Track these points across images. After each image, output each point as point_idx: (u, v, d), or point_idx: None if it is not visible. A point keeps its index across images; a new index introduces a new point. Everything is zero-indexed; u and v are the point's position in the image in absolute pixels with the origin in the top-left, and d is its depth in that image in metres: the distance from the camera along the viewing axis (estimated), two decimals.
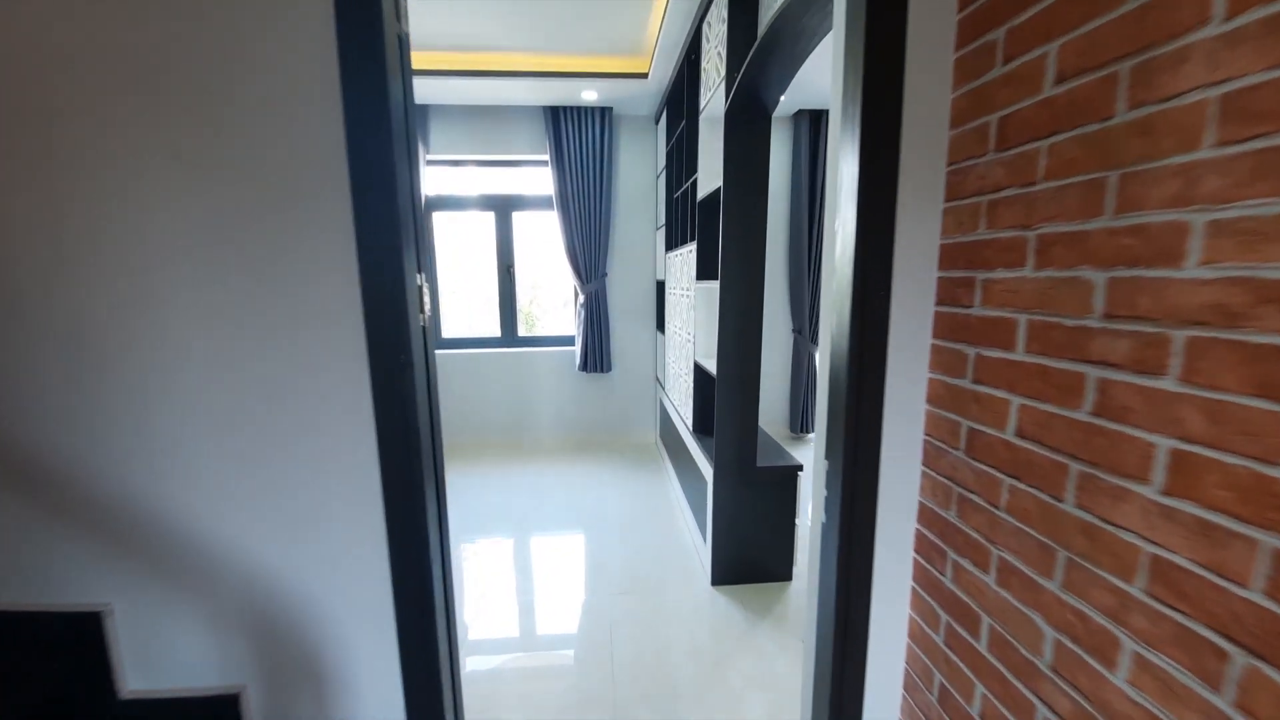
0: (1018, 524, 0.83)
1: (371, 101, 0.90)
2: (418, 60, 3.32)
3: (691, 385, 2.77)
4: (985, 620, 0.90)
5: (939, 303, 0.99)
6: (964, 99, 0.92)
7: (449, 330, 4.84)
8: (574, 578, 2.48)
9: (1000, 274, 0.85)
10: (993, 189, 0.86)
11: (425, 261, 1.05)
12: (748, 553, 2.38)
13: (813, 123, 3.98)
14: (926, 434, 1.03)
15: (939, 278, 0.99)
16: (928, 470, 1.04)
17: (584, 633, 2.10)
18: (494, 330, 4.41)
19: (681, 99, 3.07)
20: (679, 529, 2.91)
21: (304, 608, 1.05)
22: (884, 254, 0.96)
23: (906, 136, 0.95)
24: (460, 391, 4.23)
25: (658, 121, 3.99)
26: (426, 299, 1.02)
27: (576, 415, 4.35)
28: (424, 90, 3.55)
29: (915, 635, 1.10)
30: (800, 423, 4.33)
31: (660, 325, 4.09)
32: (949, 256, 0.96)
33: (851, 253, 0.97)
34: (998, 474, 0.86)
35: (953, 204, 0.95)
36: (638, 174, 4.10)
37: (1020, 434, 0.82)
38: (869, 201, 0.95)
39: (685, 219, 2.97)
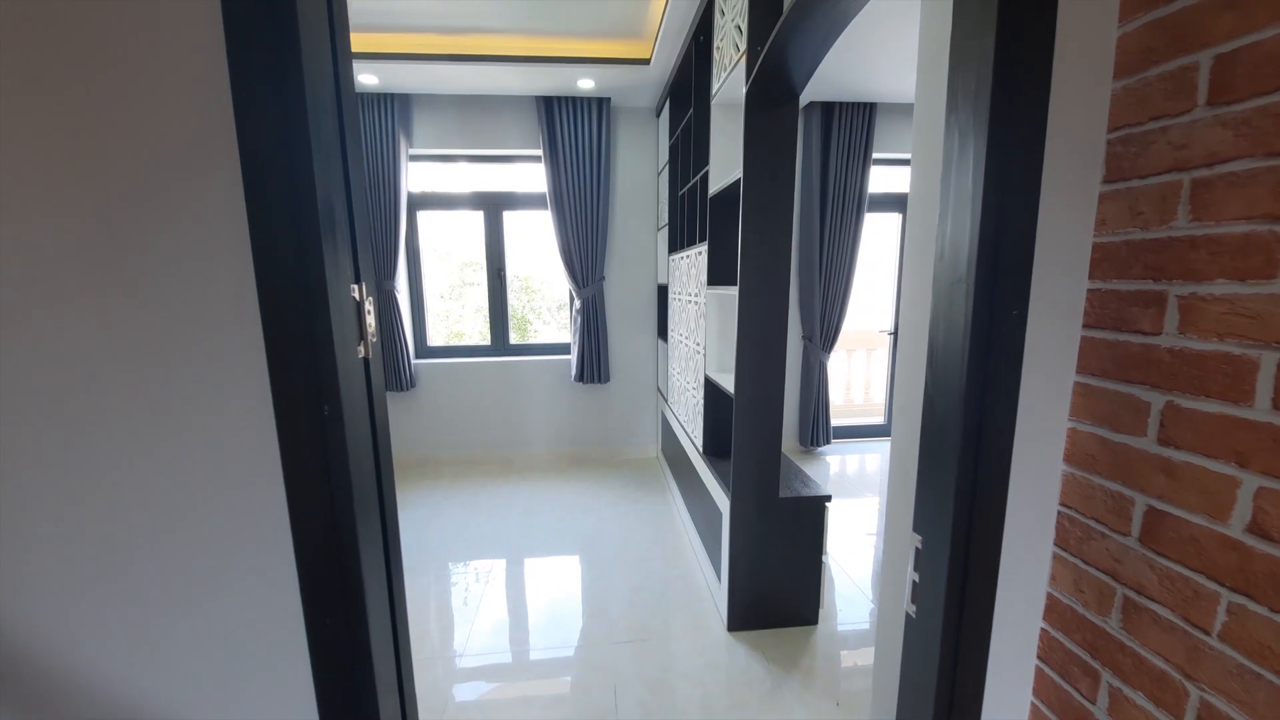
0: (1247, 663, 0.55)
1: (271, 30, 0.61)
2: (397, 44, 3.02)
3: (701, 402, 2.48)
4: None
5: (1090, 325, 0.71)
6: (1142, 34, 0.64)
7: (435, 338, 4.54)
8: (570, 624, 2.19)
9: (1221, 287, 0.57)
10: (1204, 162, 0.58)
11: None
12: (768, 594, 2.10)
13: (824, 116, 3.72)
14: (1064, 504, 0.75)
15: (1090, 290, 0.71)
16: (1064, 554, 0.76)
17: (582, 695, 1.80)
18: (484, 338, 4.11)
19: (688, 86, 2.79)
20: (688, 562, 2.63)
21: None
22: (1021, 255, 0.68)
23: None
24: (447, 405, 3.93)
25: (659, 114, 3.71)
26: (370, 322, 0.73)
27: (572, 429, 4.05)
28: (405, 78, 3.25)
29: None
30: (811, 435, 4.06)
31: (662, 333, 3.81)
32: (1110, 260, 0.69)
33: (968, 254, 0.69)
34: (1209, 584, 0.58)
35: (1117, 186, 0.67)
36: (638, 170, 3.82)
37: (1259, 532, 0.54)
38: (1000, 181, 0.66)
39: (693, 217, 2.69)
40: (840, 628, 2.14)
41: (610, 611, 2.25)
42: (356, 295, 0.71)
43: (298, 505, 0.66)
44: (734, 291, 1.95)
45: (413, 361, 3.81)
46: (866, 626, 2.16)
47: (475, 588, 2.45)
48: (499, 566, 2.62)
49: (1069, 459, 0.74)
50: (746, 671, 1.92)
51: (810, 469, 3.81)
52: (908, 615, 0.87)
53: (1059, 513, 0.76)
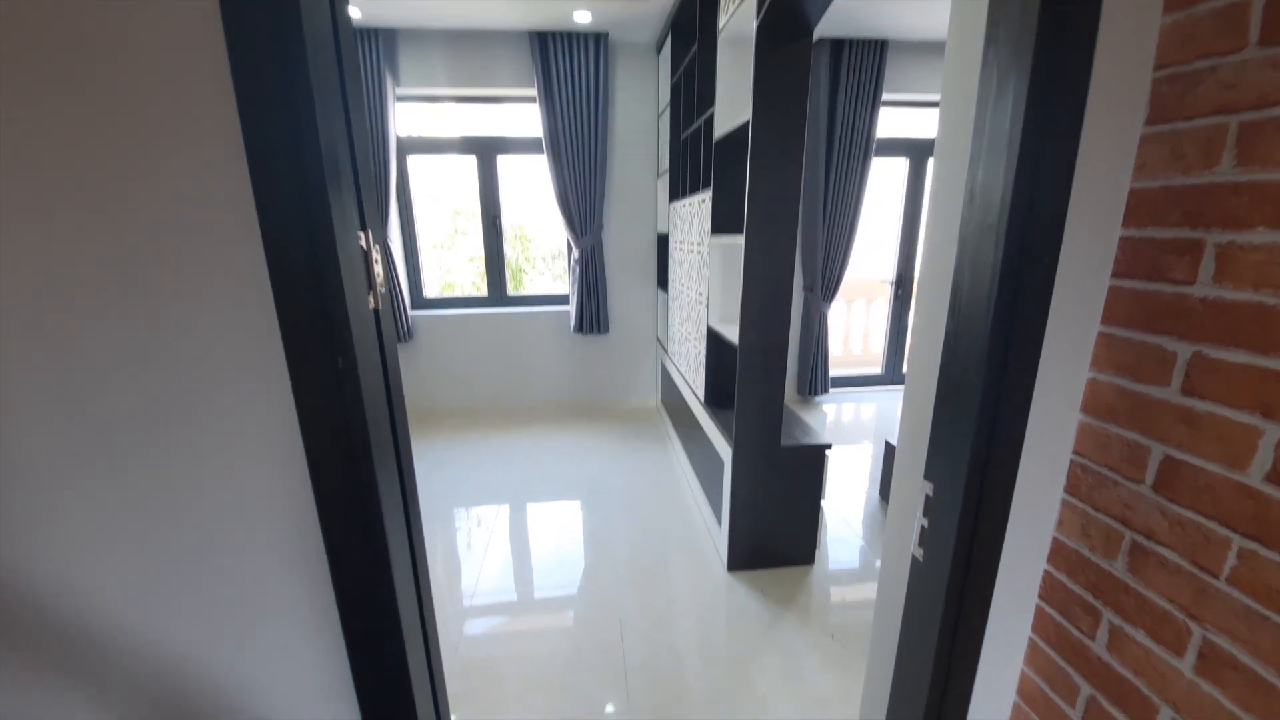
0: (1254, 605, 0.57)
1: None
2: None
3: (704, 353, 2.48)
4: (1167, 713, 0.66)
5: (1119, 274, 0.70)
6: None
7: (431, 289, 4.48)
8: (574, 567, 2.26)
9: (1262, 236, 0.55)
10: (1253, 104, 0.56)
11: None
12: (767, 536, 2.17)
13: (833, 54, 3.54)
14: (1077, 453, 0.76)
15: (1122, 238, 0.69)
16: (1073, 500, 0.77)
17: (590, 633, 1.89)
18: (479, 289, 4.05)
19: (692, 19, 2.63)
20: (688, 507, 2.70)
21: (235, 695, 0.78)
22: (1057, 201, 0.66)
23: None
24: (446, 357, 3.92)
25: (660, 50, 3.51)
26: (378, 270, 0.70)
27: (572, 379, 4.07)
28: (389, 11, 3.05)
29: (1031, 697, 0.87)
30: (810, 386, 4.10)
31: (662, 283, 3.77)
32: (1146, 207, 0.67)
33: (1001, 196, 0.66)
34: (1222, 530, 0.60)
35: (1160, 128, 0.64)
36: (637, 112, 3.66)
37: (1278, 480, 0.55)
38: (1041, 122, 0.63)
39: (696, 163, 2.60)
40: (834, 567, 2.23)
41: (613, 554, 2.32)
42: (364, 243, 0.69)
43: (317, 456, 0.65)
44: (739, 240, 1.91)
45: (409, 313, 3.77)
46: (857, 566, 2.25)
47: (480, 533, 2.52)
48: (503, 513, 2.69)
49: (1086, 408, 0.75)
50: (746, 608, 2.01)
51: (809, 418, 3.87)
52: (914, 559, 0.90)
53: (1071, 461, 0.77)
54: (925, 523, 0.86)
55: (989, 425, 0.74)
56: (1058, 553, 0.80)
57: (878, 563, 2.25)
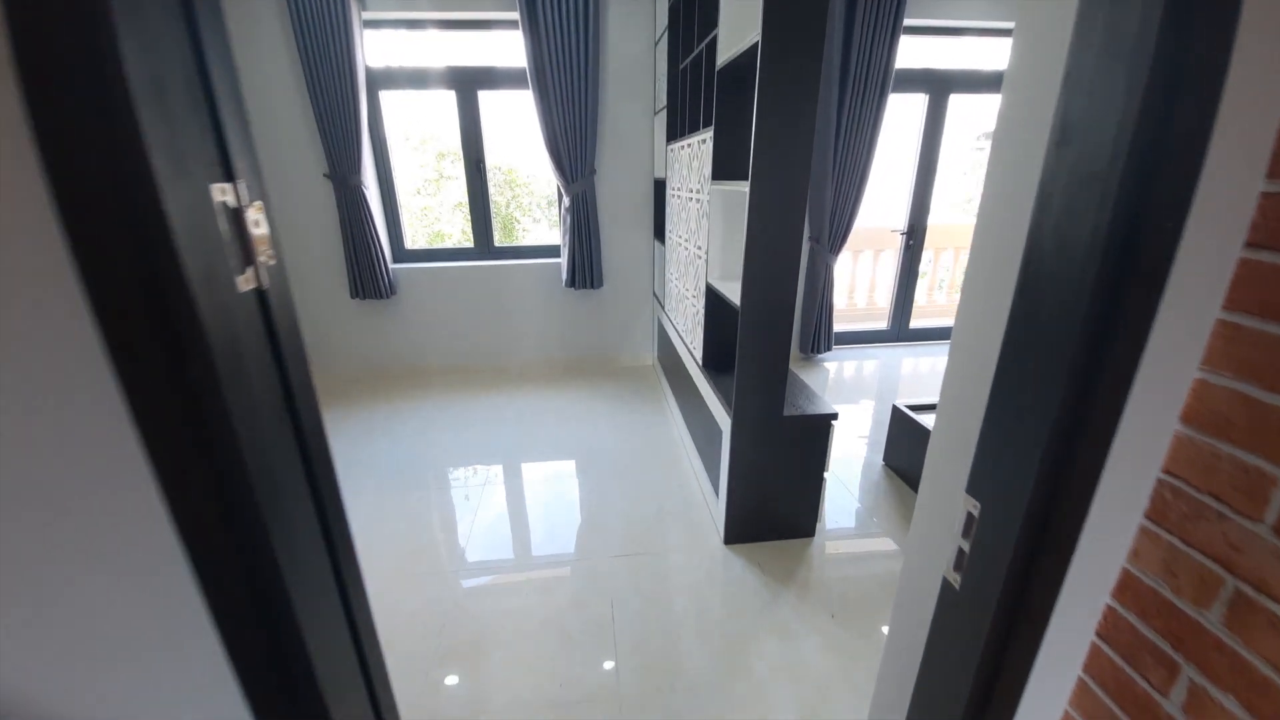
0: None
1: None
2: None
3: (702, 311, 2.29)
4: None
5: (1255, 243, 0.51)
6: None
7: (417, 240, 4.24)
8: (564, 540, 2.17)
9: None
10: None
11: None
12: (767, 508, 2.06)
13: None
14: (1168, 472, 0.60)
15: (1264, 195, 0.50)
16: (1156, 529, 0.62)
17: (580, 612, 1.80)
18: (467, 239, 3.81)
19: None
20: (684, 473, 2.59)
21: None
22: (1197, 135, 0.46)
23: None
24: (431, 313, 3.72)
25: None
26: (262, 234, 0.52)
27: (565, 336, 3.89)
28: None
29: None
30: (813, 343, 3.92)
31: (659, 233, 3.52)
32: None
33: (1115, 134, 0.47)
34: None
35: None
36: (631, 40, 3.30)
37: None
38: (1180, 31, 0.43)
39: (697, 97, 2.32)
40: (835, 540, 2.13)
41: (606, 525, 2.22)
42: (230, 199, 0.50)
43: (176, 493, 0.49)
44: (743, 188, 1.69)
45: (390, 266, 3.54)
46: (860, 539, 2.15)
47: (465, 505, 2.41)
48: (491, 480, 2.58)
49: (1188, 418, 0.58)
50: (743, 583, 1.92)
51: (809, 377, 3.73)
52: (946, 582, 0.76)
53: (1159, 481, 0.61)
54: (965, 545, 0.71)
55: (1067, 433, 0.57)
56: (1128, 588, 0.65)
57: (885, 540, 2.15)
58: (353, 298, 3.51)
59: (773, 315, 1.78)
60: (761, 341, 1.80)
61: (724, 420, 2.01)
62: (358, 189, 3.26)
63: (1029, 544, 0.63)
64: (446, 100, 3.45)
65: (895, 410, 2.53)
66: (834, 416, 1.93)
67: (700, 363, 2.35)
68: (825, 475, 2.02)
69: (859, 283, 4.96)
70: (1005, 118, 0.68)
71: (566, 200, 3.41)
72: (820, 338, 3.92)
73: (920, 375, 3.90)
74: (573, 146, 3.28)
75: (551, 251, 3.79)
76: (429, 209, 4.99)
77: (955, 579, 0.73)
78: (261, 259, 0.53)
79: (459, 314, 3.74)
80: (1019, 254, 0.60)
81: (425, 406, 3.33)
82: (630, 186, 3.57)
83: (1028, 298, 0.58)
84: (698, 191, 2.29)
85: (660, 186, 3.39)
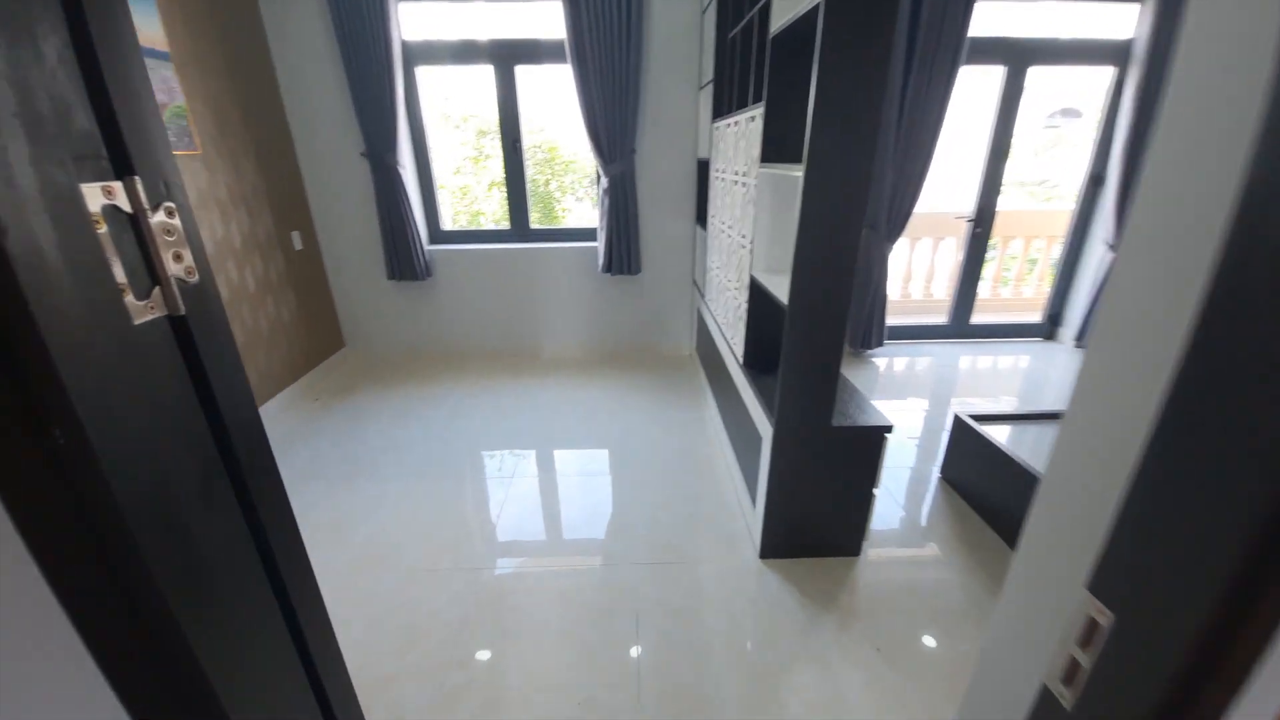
0: None
1: None
2: None
3: (745, 307, 2.12)
4: None
5: None
6: None
7: (457, 221, 4.18)
8: (589, 545, 2.06)
9: None
10: None
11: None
12: (808, 522, 1.90)
13: None
14: None
15: None
16: None
17: (602, 627, 1.70)
18: (505, 221, 3.70)
19: None
20: (719, 477, 2.44)
21: None
22: None
23: None
24: (466, 296, 3.66)
25: None
26: (183, 254, 0.39)
27: (600, 323, 3.77)
28: None
29: None
30: (863, 338, 3.67)
31: (701, 218, 3.32)
32: None
33: None
34: None
35: None
36: (677, 6, 3.08)
37: None
38: None
39: (746, 69, 2.11)
40: (884, 562, 1.95)
41: (633, 530, 2.11)
42: (122, 202, 0.37)
43: (53, 570, 0.38)
44: (796, 172, 1.50)
45: (426, 248, 3.49)
46: (911, 562, 1.96)
47: (490, 499, 2.34)
48: (519, 473, 2.50)
49: None
50: (779, 604, 1.78)
51: (858, 375, 3.49)
52: (1048, 693, 0.59)
53: None
54: (1085, 660, 0.54)
55: (1271, 530, 0.39)
56: None
57: (941, 566, 1.96)
58: (389, 279, 3.48)
59: (824, 317, 1.59)
60: (810, 345, 1.62)
61: (765, 428, 1.85)
62: (393, 168, 3.19)
63: (1189, 678, 0.46)
64: (485, 76, 3.32)
65: (958, 421, 2.30)
66: (888, 429, 1.74)
67: (741, 361, 2.18)
68: (875, 491, 1.84)
69: (915, 273, 4.63)
70: (1182, 84, 0.48)
71: (605, 181, 3.26)
72: (872, 332, 3.66)
73: (980, 376, 3.60)
74: (612, 124, 3.10)
75: (588, 235, 3.65)
76: (468, 189, 4.92)
77: (1065, 695, 0.56)
78: (177, 276, 0.41)
79: (493, 298, 3.67)
80: (1201, 263, 0.42)
81: (457, 393, 3.29)
82: (671, 167, 3.38)
83: (1223, 318, 0.40)
84: (744, 175, 2.09)
85: (704, 168, 3.18)
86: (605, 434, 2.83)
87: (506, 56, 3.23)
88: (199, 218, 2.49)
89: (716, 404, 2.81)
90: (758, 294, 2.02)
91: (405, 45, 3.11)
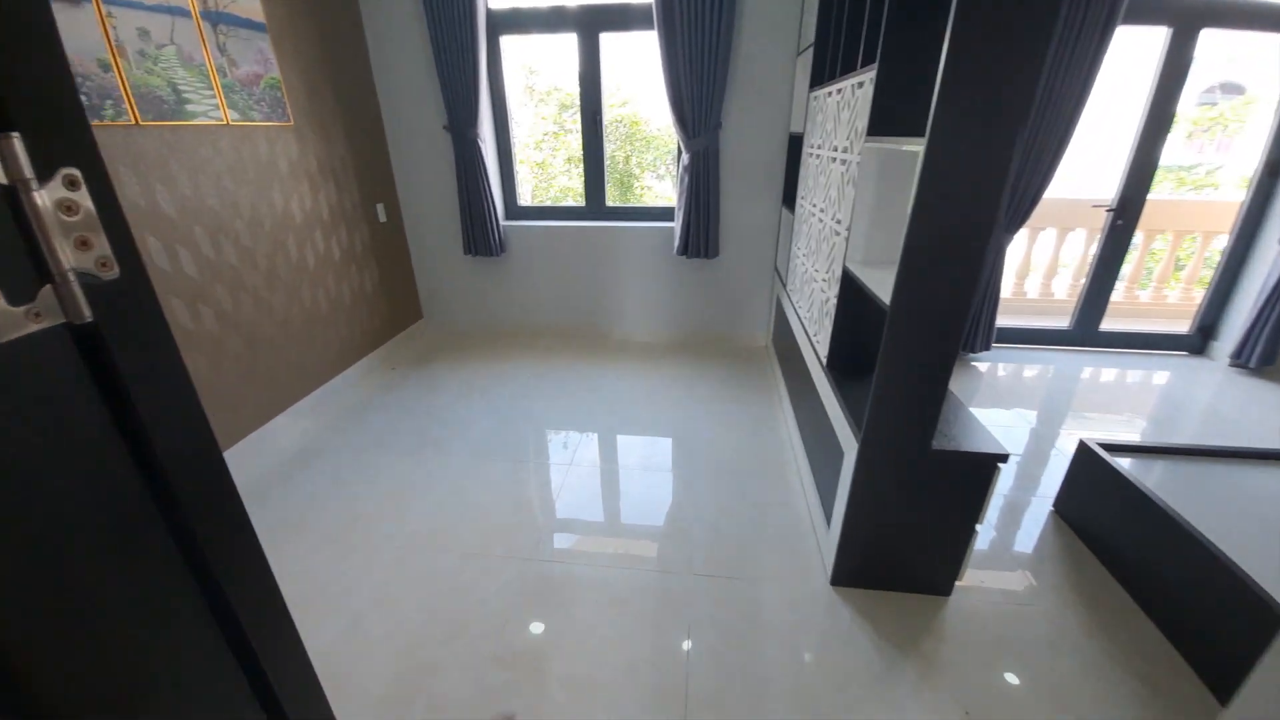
0: None
1: None
2: None
3: (833, 302, 1.88)
4: None
5: None
6: None
7: (536, 196, 4.14)
8: (643, 551, 1.94)
9: None
10: None
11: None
12: (891, 553, 1.67)
13: None
14: None
15: None
16: None
17: (649, 643, 1.58)
18: (581, 197, 3.60)
19: None
20: (791, 485, 2.24)
21: None
22: None
23: None
24: (539, 273, 3.61)
25: None
26: (84, 225, 0.29)
27: (673, 308, 3.60)
28: None
29: None
30: (968, 339, 3.27)
31: (789, 199, 3.05)
32: None
33: None
34: None
35: None
36: None
37: None
38: None
39: (857, 25, 1.83)
40: (980, 607, 1.68)
41: (692, 535, 1.96)
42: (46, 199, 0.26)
43: None
44: (915, 147, 1.25)
45: (502, 224, 3.46)
46: (1014, 611, 1.68)
47: (544, 488, 2.28)
48: (579, 461, 2.42)
49: None
50: (851, 642, 1.58)
51: (957, 381, 3.11)
52: None
53: None
54: None
55: None
56: None
57: (1052, 621, 1.67)
58: (465, 254, 3.49)
59: (935, 324, 1.34)
60: (914, 355, 1.38)
61: (849, 442, 1.63)
62: (474, 142, 3.15)
63: None
64: (568, 46, 3.18)
65: (1083, 448, 1.95)
66: (1002, 459, 1.47)
67: (824, 362, 1.95)
68: (977, 527, 1.58)
69: (1034, 267, 4.08)
70: None
71: (685, 158, 3.05)
72: (979, 333, 3.25)
73: (1106, 392, 3.10)
74: (697, 95, 2.88)
75: (666, 214, 3.47)
76: (547, 164, 4.86)
77: None
78: (83, 270, 0.30)
79: (566, 276, 3.60)
80: None
81: (522, 373, 3.26)
82: (759, 143, 3.11)
83: None
84: (844, 150, 1.83)
85: (795, 144, 2.90)
86: (670, 425, 2.69)
87: (592, 23, 3.07)
88: (288, 189, 2.56)
89: (791, 404, 2.59)
90: (850, 288, 1.77)
91: (490, 13, 3.04)
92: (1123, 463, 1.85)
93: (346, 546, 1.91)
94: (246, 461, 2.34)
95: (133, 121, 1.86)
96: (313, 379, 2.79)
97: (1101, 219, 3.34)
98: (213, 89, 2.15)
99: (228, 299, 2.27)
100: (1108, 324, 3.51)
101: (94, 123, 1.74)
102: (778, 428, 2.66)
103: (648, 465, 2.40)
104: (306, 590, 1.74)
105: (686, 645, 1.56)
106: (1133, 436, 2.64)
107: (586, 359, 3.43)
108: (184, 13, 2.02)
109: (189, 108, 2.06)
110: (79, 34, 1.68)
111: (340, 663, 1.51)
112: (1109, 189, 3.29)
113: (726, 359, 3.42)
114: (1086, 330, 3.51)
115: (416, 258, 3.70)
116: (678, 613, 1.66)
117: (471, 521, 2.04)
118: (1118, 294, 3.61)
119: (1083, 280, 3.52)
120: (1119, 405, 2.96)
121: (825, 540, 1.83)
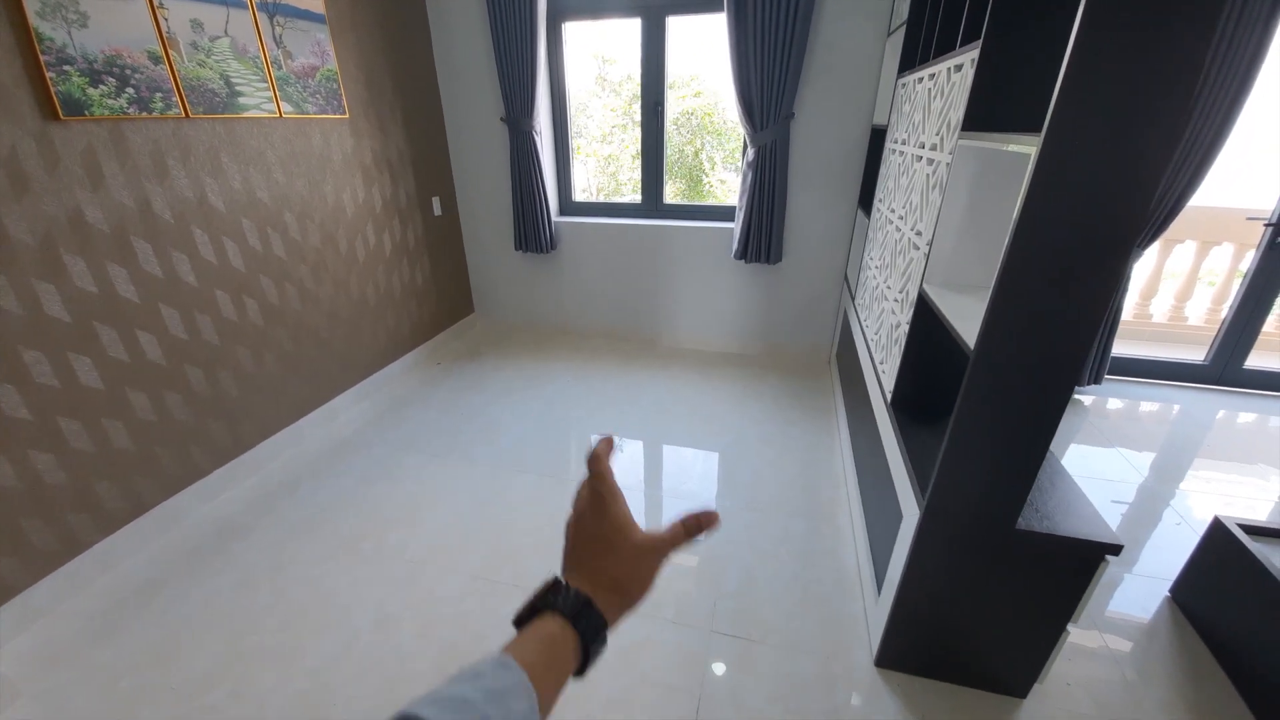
0: None
1: None
2: None
3: (905, 328, 1.59)
4: None
5: None
6: None
7: (595, 192, 4.00)
8: (668, 584, 1.75)
9: None
10: None
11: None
12: (954, 639, 1.39)
13: None
14: None
15: None
16: None
17: (658, 709, 1.39)
18: (637, 194, 3.41)
19: None
20: (841, 531, 1.96)
21: None
22: None
23: None
24: (588, 271, 3.47)
25: None
26: None
27: (727, 316, 3.35)
28: None
29: None
30: (1088, 369, 2.80)
31: (864, 200, 2.71)
32: None
33: None
34: None
35: None
36: None
37: None
38: None
39: (959, 1, 1.52)
40: (1064, 717, 1.36)
41: (720, 580, 1.75)
42: None
43: None
44: (1026, 148, 0.96)
45: (554, 220, 3.34)
46: (1110, 712, 1.34)
47: (557, 512, 2.13)
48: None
49: None
50: None
51: (1074, 429, 2.66)
52: None
53: None
54: None
55: None
56: None
57: (1146, 716, 1.32)
58: (516, 249, 3.40)
59: (1036, 373, 1.04)
60: (1005, 411, 1.09)
61: (909, 504, 1.36)
62: (529, 134, 3.04)
63: None
64: (629, 31, 2.99)
65: (1217, 525, 1.55)
66: (1114, 550, 1.15)
67: (889, 399, 1.66)
68: (1070, 627, 1.26)
69: (1163, 288, 3.47)
70: None
71: (750, 153, 2.79)
72: (1088, 362, 2.77)
73: (1246, 445, 2.54)
74: (767, 83, 2.60)
75: (725, 214, 3.22)
76: (614, 157, 4.71)
77: None
78: None
79: (616, 276, 3.43)
80: None
81: (564, 375, 3.13)
82: (835, 135, 2.79)
83: None
84: (933, 146, 1.53)
85: (878, 137, 2.56)
86: (715, 446, 2.47)
87: (658, 5, 2.86)
88: (340, 182, 2.55)
89: (850, 433, 2.29)
90: (927, 314, 1.48)
91: None
92: (1269, 550, 1.45)
93: (358, 556, 1.85)
94: (285, 450, 2.37)
95: (183, 114, 1.87)
96: (359, 371, 2.80)
97: (1256, 234, 2.74)
98: (266, 81, 2.14)
99: (273, 291, 2.28)
100: (1254, 361, 2.90)
101: (141, 115, 1.75)
102: (833, 459, 2.37)
103: (683, 492, 2.19)
104: (310, 600, 1.69)
105: (694, 715, 1.35)
106: None
107: (632, 364, 3.26)
108: (240, 4, 2.01)
109: (241, 100, 2.06)
110: (129, 26, 1.68)
111: (328, 684, 1.43)
112: (1268, 199, 2.70)
113: (783, 374, 3.13)
114: (1226, 366, 2.92)
115: (470, 252, 3.67)
116: (691, 675, 1.46)
117: (485, 540, 1.93)
118: (1270, 325, 2.97)
119: (1226, 306, 2.93)
120: (1261, 464, 2.41)
121: (874, 611, 1.56)
